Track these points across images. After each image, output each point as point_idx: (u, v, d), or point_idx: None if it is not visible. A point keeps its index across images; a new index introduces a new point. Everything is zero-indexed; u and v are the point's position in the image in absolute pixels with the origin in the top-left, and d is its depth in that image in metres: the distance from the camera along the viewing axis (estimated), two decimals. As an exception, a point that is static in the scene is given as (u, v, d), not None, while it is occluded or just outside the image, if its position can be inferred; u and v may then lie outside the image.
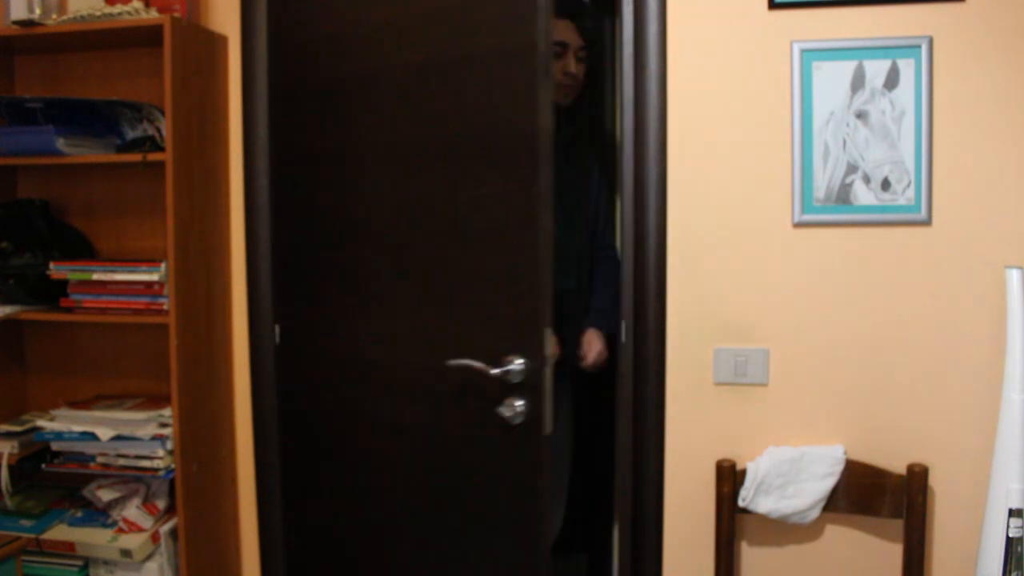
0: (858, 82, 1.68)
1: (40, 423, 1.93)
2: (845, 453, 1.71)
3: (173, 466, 1.86)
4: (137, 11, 1.86)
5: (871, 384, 1.72)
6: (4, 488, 1.92)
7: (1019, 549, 1.54)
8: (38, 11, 1.85)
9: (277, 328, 1.95)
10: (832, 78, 1.69)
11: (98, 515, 1.96)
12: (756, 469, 1.71)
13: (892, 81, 1.67)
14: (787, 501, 1.71)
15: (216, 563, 1.99)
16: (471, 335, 1.64)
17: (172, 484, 1.92)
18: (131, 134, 1.95)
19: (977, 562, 1.61)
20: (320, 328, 1.88)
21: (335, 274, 1.85)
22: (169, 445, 1.87)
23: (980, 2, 1.63)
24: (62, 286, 1.93)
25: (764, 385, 1.76)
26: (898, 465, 1.70)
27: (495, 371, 1.55)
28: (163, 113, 1.85)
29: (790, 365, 1.75)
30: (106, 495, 1.96)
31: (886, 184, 1.69)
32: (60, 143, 1.84)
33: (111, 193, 2.09)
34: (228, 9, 1.95)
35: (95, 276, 1.90)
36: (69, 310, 1.92)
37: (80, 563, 1.92)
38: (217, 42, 1.96)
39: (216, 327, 1.97)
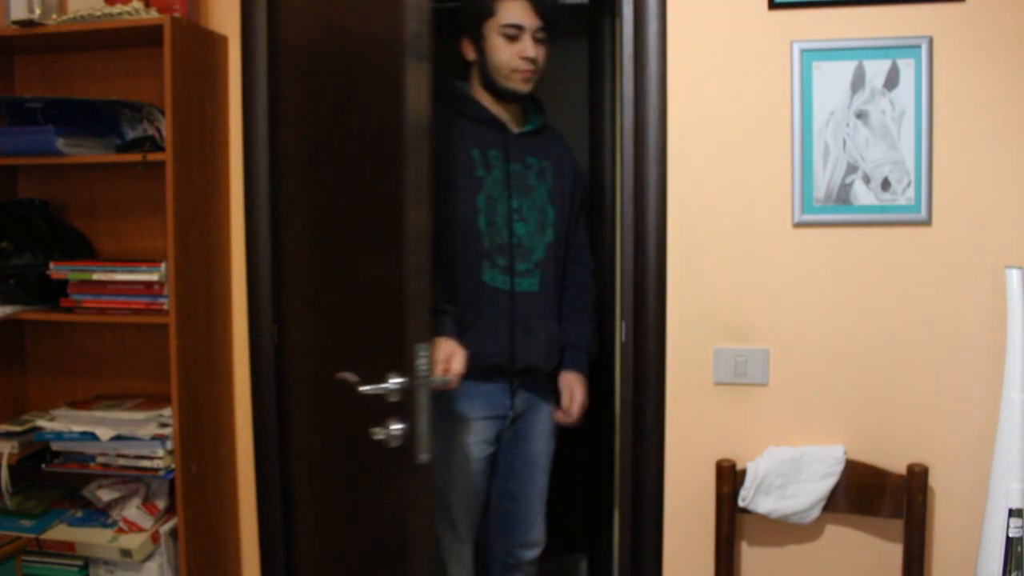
0: (858, 82, 1.68)
1: (40, 423, 1.93)
2: (845, 453, 1.71)
3: (173, 466, 1.86)
4: (137, 11, 1.86)
5: (871, 384, 1.72)
6: (4, 488, 1.92)
7: (1019, 549, 1.54)
8: (38, 11, 1.84)
9: (276, 327, 1.95)
10: (832, 78, 1.69)
11: (98, 515, 1.96)
12: (756, 469, 1.71)
13: (892, 81, 1.67)
14: (787, 501, 1.71)
15: (216, 563, 1.99)
16: (364, 349, 1.56)
17: (172, 484, 1.92)
18: (131, 134, 1.95)
19: (977, 562, 1.61)
20: (291, 331, 1.93)
21: (298, 279, 1.89)
22: (169, 445, 1.87)
23: (980, 2, 1.63)
24: (62, 286, 1.92)
25: (764, 385, 1.76)
26: (898, 465, 1.70)
27: (365, 388, 1.40)
28: (163, 113, 1.84)
29: (790, 365, 1.75)
30: (106, 495, 1.96)
31: (886, 184, 1.69)
32: (60, 143, 1.84)
33: (111, 193, 2.09)
34: (228, 9, 1.95)
35: (95, 276, 1.90)
36: (69, 310, 1.92)
37: (80, 563, 1.92)
38: (217, 42, 1.96)
39: (216, 327, 1.97)
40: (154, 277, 1.86)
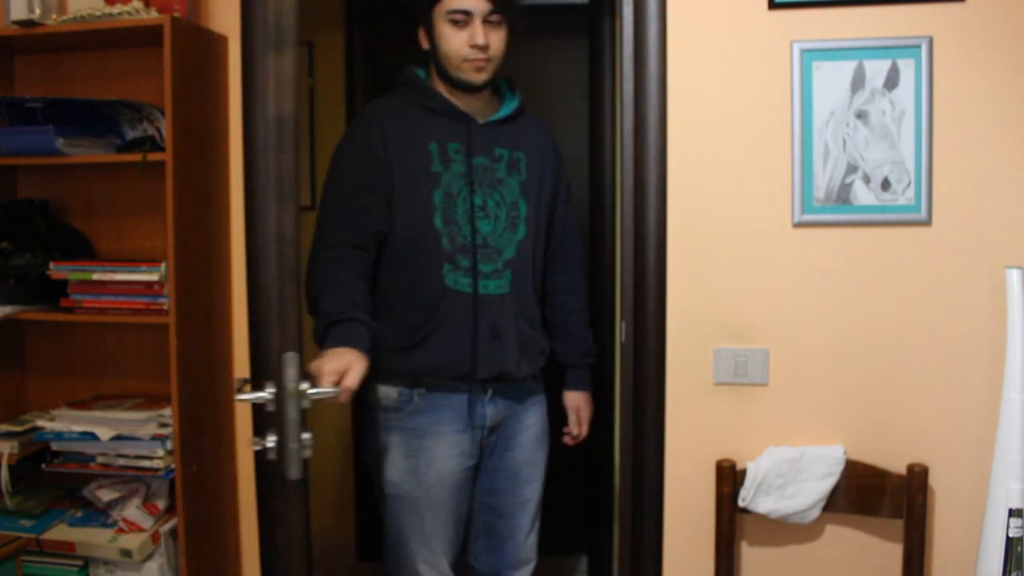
0: (858, 82, 1.68)
1: (40, 423, 1.93)
2: (845, 453, 1.71)
3: (173, 466, 1.86)
4: (137, 11, 1.86)
5: (871, 384, 1.72)
6: (4, 488, 1.92)
7: (1019, 549, 1.54)
8: (38, 11, 1.84)
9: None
10: (832, 78, 1.69)
11: (98, 515, 1.96)
12: (756, 469, 1.71)
13: (892, 81, 1.67)
14: (787, 501, 1.71)
15: (216, 563, 1.99)
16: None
17: (172, 484, 1.92)
18: (131, 134, 1.95)
19: (977, 562, 1.61)
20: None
21: None
22: (169, 445, 1.87)
23: (980, 2, 1.63)
24: (62, 286, 1.92)
25: (764, 385, 1.76)
26: (898, 465, 1.70)
27: (239, 397, 1.34)
28: (163, 113, 1.84)
29: (790, 365, 1.75)
30: (106, 495, 1.96)
31: (886, 184, 1.69)
32: (60, 143, 1.84)
33: (111, 193, 2.09)
34: (228, 9, 1.95)
35: (95, 276, 1.90)
36: (69, 310, 1.92)
37: (80, 563, 1.92)
38: (217, 42, 1.96)
39: (216, 327, 1.97)
40: (154, 277, 1.86)
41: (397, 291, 1.75)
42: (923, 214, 1.68)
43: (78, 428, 1.90)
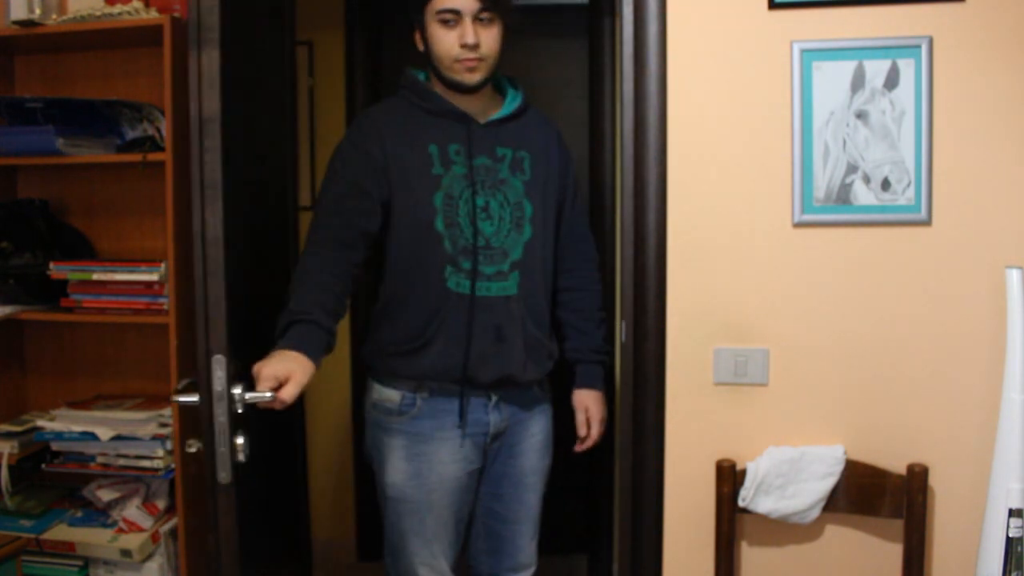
0: (858, 82, 1.68)
1: (40, 423, 1.93)
2: (845, 453, 1.71)
3: (173, 466, 1.86)
4: (137, 11, 1.86)
5: (871, 384, 1.72)
6: (4, 488, 1.92)
7: (1019, 549, 1.54)
8: (38, 11, 1.85)
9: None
10: (832, 78, 1.69)
11: (98, 515, 1.96)
12: (756, 469, 1.71)
13: (892, 81, 1.67)
14: (787, 501, 1.71)
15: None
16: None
17: (172, 484, 1.92)
18: (131, 134, 1.95)
19: (977, 562, 1.61)
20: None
21: None
22: (169, 445, 1.87)
23: (980, 2, 1.63)
24: (62, 286, 1.93)
25: (764, 385, 1.76)
26: (898, 465, 1.70)
27: (175, 399, 1.34)
28: (163, 113, 1.85)
29: (790, 365, 1.75)
30: (106, 495, 1.96)
31: (886, 184, 1.69)
32: (60, 143, 1.85)
33: (111, 193, 2.09)
34: (228, 9, 1.95)
35: (95, 276, 1.90)
36: (69, 310, 1.92)
37: (80, 563, 1.92)
38: (217, 42, 1.96)
39: (216, 327, 1.97)
40: (154, 277, 1.86)
41: (400, 295, 1.74)
42: (923, 214, 1.68)
43: (78, 428, 1.90)
